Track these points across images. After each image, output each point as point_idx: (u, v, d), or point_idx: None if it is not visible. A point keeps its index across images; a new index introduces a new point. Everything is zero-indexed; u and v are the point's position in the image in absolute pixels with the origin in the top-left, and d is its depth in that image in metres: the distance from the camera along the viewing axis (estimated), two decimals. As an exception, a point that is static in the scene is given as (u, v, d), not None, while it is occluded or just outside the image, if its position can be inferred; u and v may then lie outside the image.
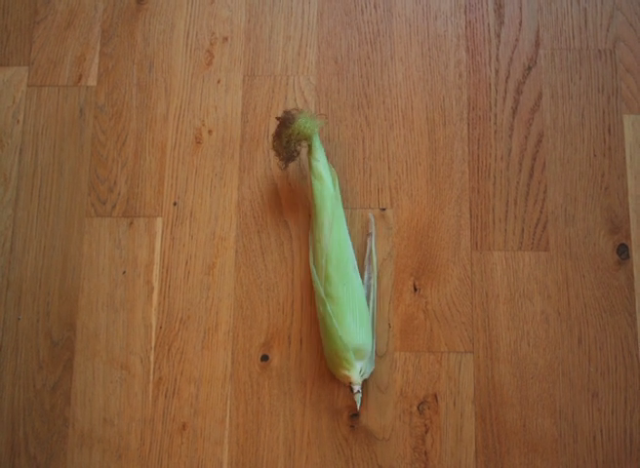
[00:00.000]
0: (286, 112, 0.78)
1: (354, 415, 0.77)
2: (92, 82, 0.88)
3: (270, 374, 0.79)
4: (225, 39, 0.88)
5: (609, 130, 0.83)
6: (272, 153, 0.82)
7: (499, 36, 0.86)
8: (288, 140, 0.77)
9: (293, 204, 0.83)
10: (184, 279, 0.81)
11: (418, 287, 0.80)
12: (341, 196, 0.80)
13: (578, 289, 0.79)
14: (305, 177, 0.83)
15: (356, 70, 0.86)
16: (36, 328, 0.81)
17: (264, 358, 0.79)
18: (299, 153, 0.79)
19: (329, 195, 0.77)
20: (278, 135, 0.78)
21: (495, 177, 0.83)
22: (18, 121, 0.87)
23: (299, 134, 0.77)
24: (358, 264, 0.78)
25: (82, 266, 0.83)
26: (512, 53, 0.86)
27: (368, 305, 0.77)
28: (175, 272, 0.82)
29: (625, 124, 0.83)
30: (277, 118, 0.79)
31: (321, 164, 0.78)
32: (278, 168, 0.83)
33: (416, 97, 0.85)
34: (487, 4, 0.87)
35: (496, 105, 0.84)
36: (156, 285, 0.82)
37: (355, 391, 0.74)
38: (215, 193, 0.84)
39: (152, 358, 0.80)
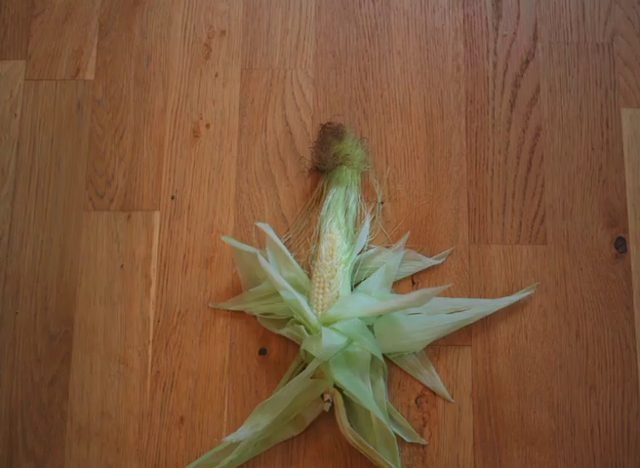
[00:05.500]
0: (333, 124, 0.80)
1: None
2: (89, 76, 0.88)
3: (268, 368, 0.78)
4: (223, 33, 0.88)
5: (607, 123, 0.83)
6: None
7: (496, 29, 0.86)
8: (335, 155, 0.78)
9: (290, 197, 0.83)
10: (182, 273, 0.81)
11: (415, 280, 0.80)
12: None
13: (575, 282, 0.79)
14: (303, 172, 0.83)
15: (354, 64, 0.86)
16: (34, 322, 0.81)
17: (262, 351, 0.79)
18: (332, 169, 0.80)
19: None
20: (326, 144, 0.79)
21: (492, 171, 0.82)
22: (15, 115, 0.87)
23: (347, 156, 0.78)
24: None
25: (80, 260, 0.83)
26: (510, 46, 0.86)
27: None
28: (172, 266, 0.82)
29: (623, 117, 0.83)
30: (324, 126, 0.80)
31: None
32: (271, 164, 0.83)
33: (413, 90, 0.85)
34: (485, -2, 0.87)
35: (494, 99, 0.84)
36: (154, 278, 0.81)
37: (325, 399, 0.73)
38: (212, 187, 0.84)
39: (150, 352, 0.80)
